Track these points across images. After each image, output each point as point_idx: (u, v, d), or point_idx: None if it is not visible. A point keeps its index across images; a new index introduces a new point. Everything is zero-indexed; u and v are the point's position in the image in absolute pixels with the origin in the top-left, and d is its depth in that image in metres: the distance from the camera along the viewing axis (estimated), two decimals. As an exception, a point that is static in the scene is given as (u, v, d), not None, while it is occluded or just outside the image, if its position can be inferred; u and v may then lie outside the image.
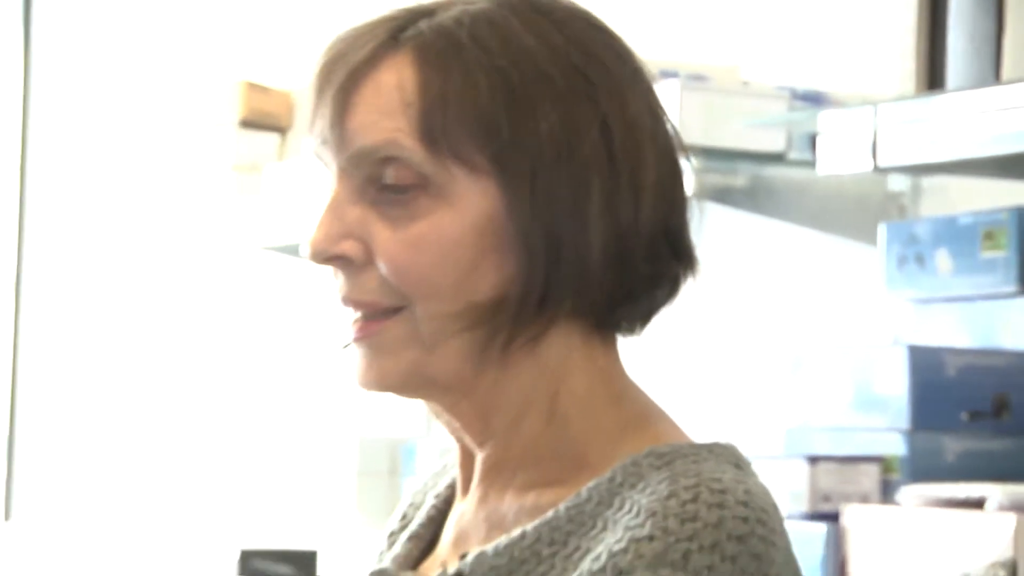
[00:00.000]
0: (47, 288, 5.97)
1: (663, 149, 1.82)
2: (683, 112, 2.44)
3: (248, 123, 4.02)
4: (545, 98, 1.76)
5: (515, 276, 1.76)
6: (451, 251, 1.76)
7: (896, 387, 2.94)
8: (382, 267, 1.75)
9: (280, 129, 4.03)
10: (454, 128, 1.73)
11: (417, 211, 1.75)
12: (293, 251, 3.78)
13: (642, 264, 1.79)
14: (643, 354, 1.92)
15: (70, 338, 5.92)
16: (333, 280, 1.80)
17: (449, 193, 1.75)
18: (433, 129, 1.74)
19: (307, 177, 3.06)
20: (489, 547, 1.76)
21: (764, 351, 3.22)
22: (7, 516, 6.24)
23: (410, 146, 1.73)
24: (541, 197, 1.76)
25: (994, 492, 2.72)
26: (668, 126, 1.84)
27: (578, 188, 1.77)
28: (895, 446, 2.96)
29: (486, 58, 1.75)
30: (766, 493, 1.72)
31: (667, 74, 2.66)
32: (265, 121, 4.01)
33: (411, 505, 2.03)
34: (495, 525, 1.81)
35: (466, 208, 1.77)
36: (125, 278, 5.46)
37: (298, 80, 4.09)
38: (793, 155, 3.16)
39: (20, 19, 6.23)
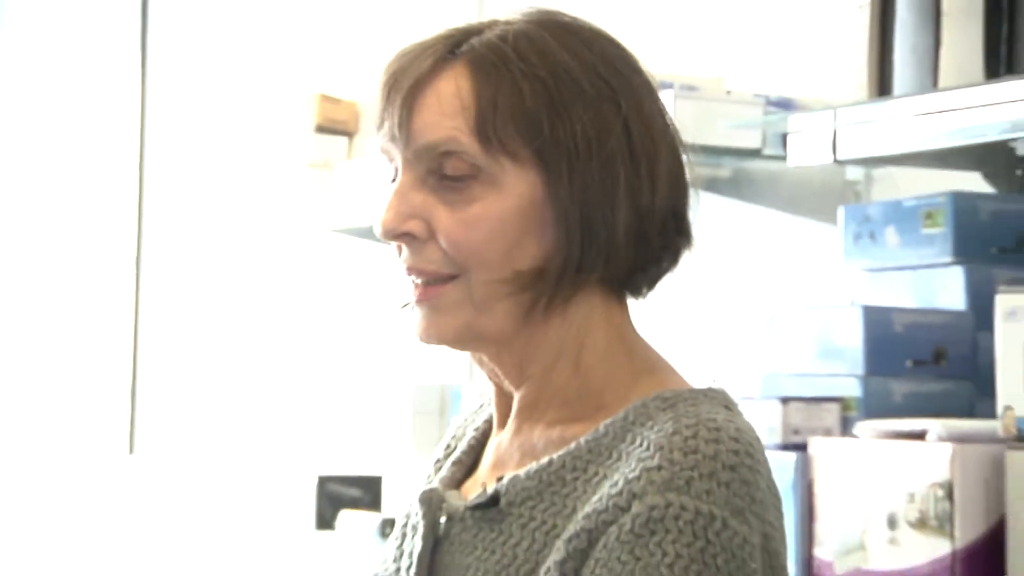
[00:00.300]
0: (165, 255, 6.08)
1: (671, 144, 1.91)
2: (677, 116, 2.44)
3: (321, 128, 4.11)
4: (578, 102, 1.83)
5: (554, 250, 1.85)
6: (499, 229, 1.84)
7: (853, 340, 2.94)
8: (442, 242, 1.83)
9: (348, 134, 4.13)
10: (503, 127, 1.81)
11: (471, 196, 1.84)
12: (358, 233, 3.81)
13: (656, 239, 1.88)
14: (647, 314, 1.97)
15: (183, 299, 5.98)
16: (397, 254, 1.89)
17: (498, 181, 1.83)
18: (486, 128, 1.82)
19: (370, 172, 3.07)
20: (522, 471, 1.86)
21: (745, 312, 3.26)
22: (131, 450, 6.30)
23: (467, 142, 1.82)
24: (576, 184, 1.83)
25: (934, 426, 2.69)
26: (672, 125, 1.93)
27: (606, 177, 1.83)
28: (852, 389, 2.94)
29: (528, 69, 1.83)
30: (751, 429, 1.84)
31: (664, 85, 2.69)
32: (335, 127, 4.11)
33: (454, 437, 2.10)
34: (527, 453, 1.90)
35: (512, 193, 1.84)
36: (227, 250, 5.57)
37: (363, 92, 4.11)
38: (767, 151, 3.17)
39: (138, 45, 6.31)
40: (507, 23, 1.87)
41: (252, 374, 5.48)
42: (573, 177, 1.82)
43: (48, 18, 6.74)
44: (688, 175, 1.93)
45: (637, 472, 1.73)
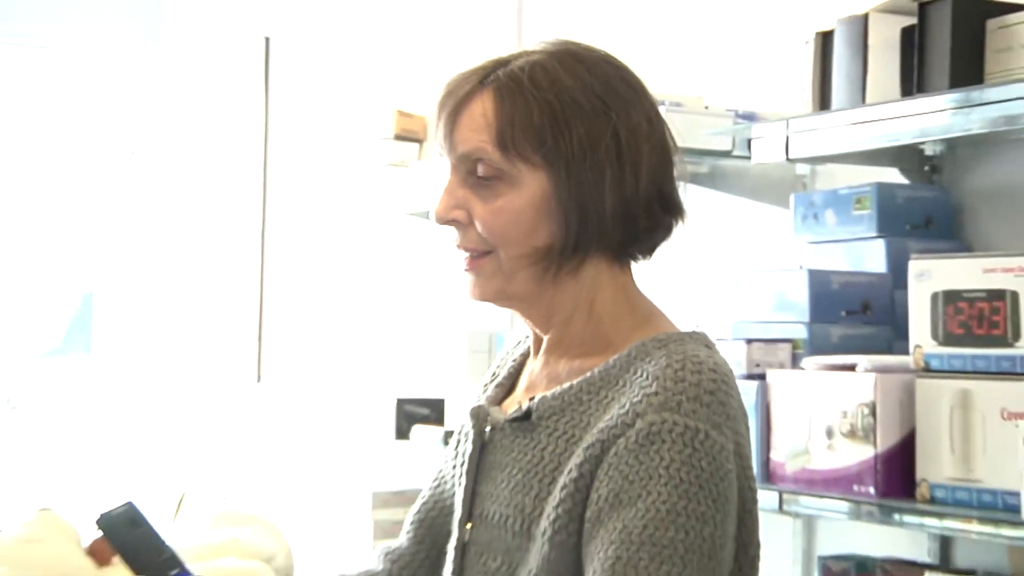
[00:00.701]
0: (283, 230, 6.02)
1: (657, 144, 1.88)
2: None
3: (399, 137, 4.13)
4: (576, 117, 1.83)
5: (559, 231, 1.86)
6: (518, 217, 1.86)
7: (800, 296, 2.92)
8: (478, 227, 1.87)
9: (419, 141, 4.13)
10: (518, 140, 1.83)
11: (497, 192, 1.86)
12: (425, 215, 3.80)
13: (642, 219, 1.87)
14: (647, 274, 1.95)
15: (297, 263, 5.91)
16: (451, 234, 1.91)
17: (516, 181, 1.85)
18: (505, 141, 1.84)
19: (433, 171, 3.07)
20: (549, 393, 1.89)
21: (719, 274, 3.25)
22: (258, 379, 6.17)
23: (491, 152, 1.85)
24: (573, 182, 1.84)
25: (862, 360, 2.70)
26: (663, 127, 1.91)
27: (596, 174, 1.83)
28: (800, 333, 2.93)
29: (538, 93, 1.84)
30: (725, 363, 1.86)
31: (658, 102, 2.66)
32: (409, 136, 4.14)
33: (497, 367, 2.10)
34: (553, 380, 1.92)
35: (527, 190, 1.86)
36: (330, 226, 5.53)
37: (430, 109, 4.10)
38: (736, 152, 3.13)
39: (262, 74, 6.17)
40: (529, 54, 1.89)
41: (349, 320, 5.42)
42: (570, 176, 1.83)
43: (198, 46, 6.68)
44: (675, 167, 1.92)
45: (639, 396, 1.76)
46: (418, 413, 4.09)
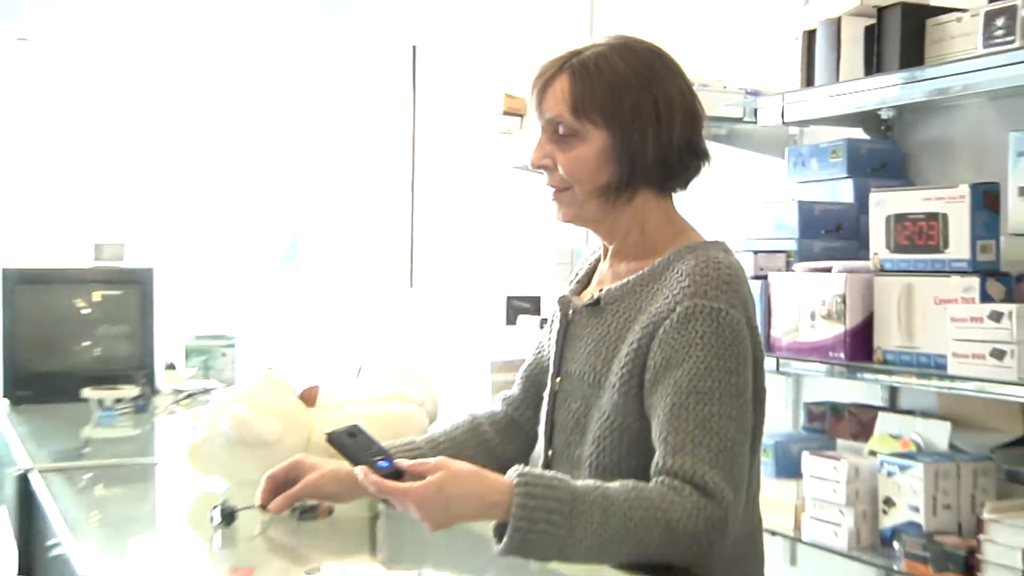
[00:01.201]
0: (428, 179, 5.74)
1: (688, 111, 1.89)
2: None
3: (506, 113, 4.09)
4: (627, 91, 1.85)
5: (615, 173, 1.87)
6: (587, 163, 1.88)
7: (792, 219, 2.90)
8: (560, 170, 1.89)
9: (520, 115, 4.05)
10: (587, 108, 1.86)
11: (572, 146, 1.88)
12: (525, 168, 3.81)
13: (676, 164, 1.89)
14: (686, 204, 1.97)
15: (438, 201, 5.68)
16: (541, 177, 1.93)
17: (585, 137, 1.87)
18: (577, 109, 1.87)
19: (529, 137, 3.05)
20: (612, 286, 1.92)
21: (736, 206, 3.18)
22: (411, 284, 6.01)
23: (567, 117, 1.87)
24: (626, 137, 1.86)
25: (836, 265, 2.70)
26: (694, 99, 1.92)
27: (642, 132, 1.86)
28: (792, 246, 2.89)
29: (600, 75, 1.86)
30: (738, 263, 1.87)
31: None
32: (513, 112, 4.08)
33: (578, 270, 2.12)
34: (616, 277, 1.95)
35: (593, 144, 1.87)
36: (458, 176, 5.37)
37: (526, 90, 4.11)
38: (746, 119, 3.09)
39: (410, 74, 5.95)
40: (595, 46, 1.90)
41: (474, 241, 5.25)
42: (623, 134, 1.85)
43: (350, 56, 6.55)
44: (702, 130, 1.93)
45: (676, 288, 1.80)
46: (521, 306, 4.09)
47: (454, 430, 2.12)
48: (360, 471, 1.70)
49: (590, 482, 1.72)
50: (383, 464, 1.70)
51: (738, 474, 1.72)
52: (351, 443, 1.78)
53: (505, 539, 1.62)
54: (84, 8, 6.10)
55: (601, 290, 1.94)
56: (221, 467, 2.26)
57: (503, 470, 1.74)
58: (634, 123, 1.87)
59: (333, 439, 1.80)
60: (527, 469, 1.67)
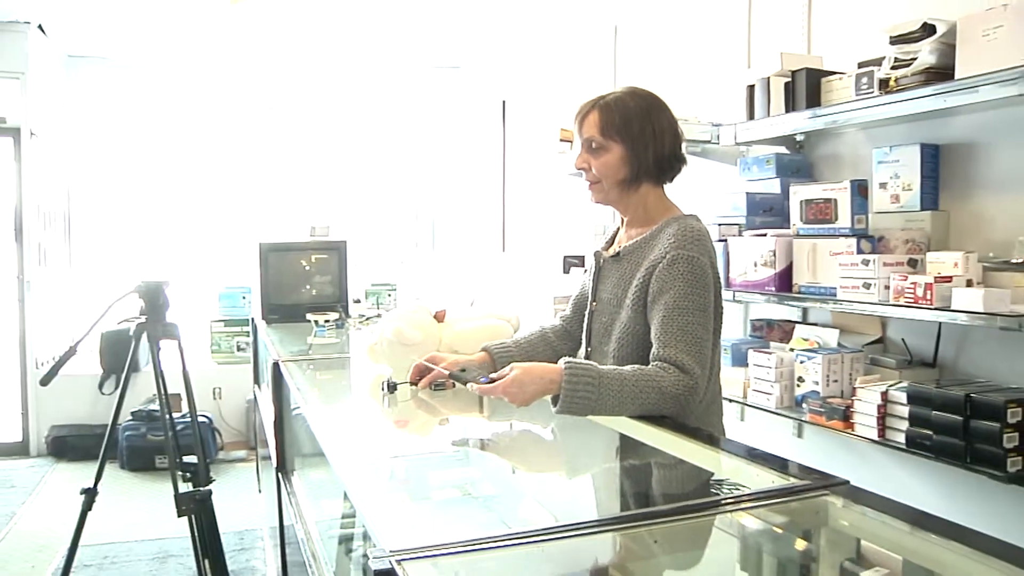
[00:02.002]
0: (518, 173, 5.57)
1: (672, 132, 1.81)
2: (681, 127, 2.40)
3: (562, 139, 3.84)
4: (635, 120, 1.79)
5: (628, 171, 1.80)
6: (610, 166, 1.81)
7: (742, 204, 2.82)
8: (593, 171, 1.82)
9: (570, 141, 3.73)
10: (609, 131, 1.79)
11: (601, 155, 1.80)
12: (576, 174, 3.80)
13: (666, 165, 1.82)
14: (676, 191, 1.88)
15: (520, 191, 5.51)
16: (582, 175, 1.84)
17: (609, 149, 1.80)
18: (604, 131, 1.80)
19: (574, 154, 2.88)
20: (628, 244, 1.84)
21: (706, 193, 2.98)
22: (503, 248, 5.72)
23: (598, 136, 1.80)
24: (635, 149, 1.79)
25: (769, 232, 2.63)
26: (676, 126, 1.83)
27: (645, 146, 1.79)
28: (742, 220, 2.82)
29: (618, 110, 1.79)
30: (706, 229, 1.79)
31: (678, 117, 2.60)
32: (566, 139, 3.80)
33: (608, 234, 2.00)
34: (629, 238, 1.86)
35: (614, 153, 1.80)
36: (535, 177, 5.15)
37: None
38: (712, 141, 3.05)
39: (500, 120, 5.73)
40: (615, 93, 1.83)
41: (543, 218, 5.03)
42: (633, 147, 1.79)
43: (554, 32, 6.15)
44: (682, 146, 1.85)
45: (666, 244, 1.74)
46: (572, 261, 3.96)
47: (531, 336, 2.07)
48: (471, 387, 1.68)
49: (612, 366, 1.67)
50: (483, 380, 1.67)
51: (704, 359, 1.67)
52: (463, 374, 1.76)
53: (559, 403, 1.60)
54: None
55: (620, 247, 1.87)
56: (387, 359, 2.23)
57: None
58: (640, 140, 1.79)
59: (453, 375, 1.77)
60: (571, 359, 1.63)
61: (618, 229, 1.98)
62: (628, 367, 1.66)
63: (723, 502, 1.12)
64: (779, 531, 1.12)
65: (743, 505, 1.11)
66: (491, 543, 0.94)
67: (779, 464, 1.22)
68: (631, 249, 1.85)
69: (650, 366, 1.66)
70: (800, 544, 1.12)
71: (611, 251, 1.92)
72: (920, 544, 0.98)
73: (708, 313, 1.72)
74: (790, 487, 1.13)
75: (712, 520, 1.06)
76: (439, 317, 2.31)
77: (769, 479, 1.18)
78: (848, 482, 1.12)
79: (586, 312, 1.95)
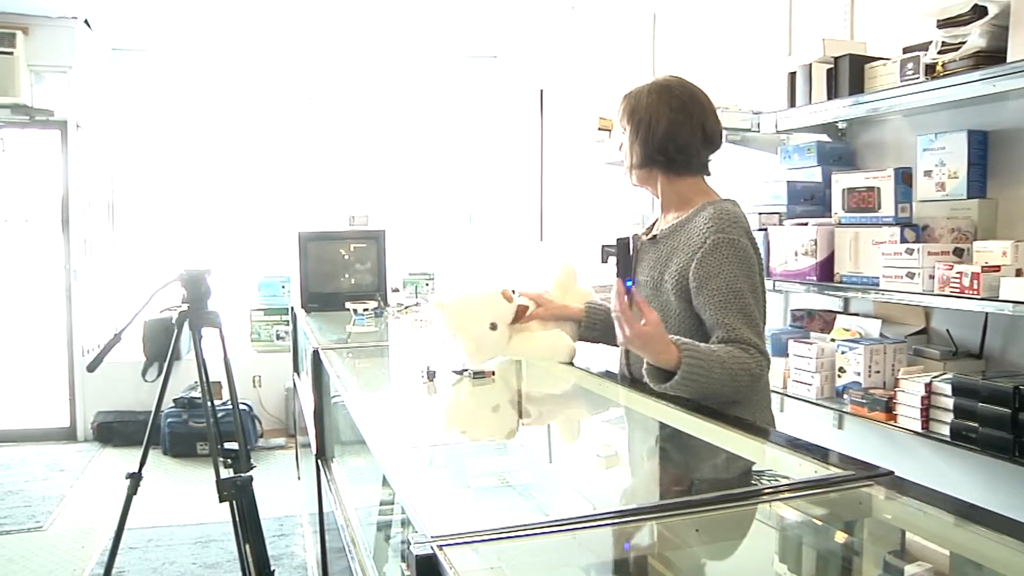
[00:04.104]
0: (554, 162, 5.57)
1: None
2: (721, 117, 2.40)
3: (600, 128, 3.77)
4: (640, 108, 1.80)
5: (635, 158, 1.83)
6: (624, 151, 1.85)
7: (783, 192, 2.81)
8: (624, 152, 1.85)
9: (608, 130, 3.73)
10: (623, 117, 1.83)
11: (631, 138, 1.83)
12: (612, 163, 3.61)
13: (695, 155, 1.81)
14: (718, 180, 1.89)
15: (557, 179, 5.52)
16: (624, 161, 1.86)
17: (626, 134, 1.83)
18: (631, 119, 1.82)
19: (614, 143, 2.87)
20: (664, 227, 1.85)
21: (747, 181, 3.03)
22: (541, 238, 5.75)
23: (620, 122, 1.85)
24: (636, 136, 1.82)
25: (810, 221, 2.60)
26: (713, 116, 1.81)
27: (675, 136, 1.79)
28: (783, 209, 2.80)
29: (640, 105, 1.81)
30: (743, 211, 1.79)
31: (718, 106, 2.59)
32: (604, 128, 3.75)
33: (648, 222, 2.02)
34: (666, 223, 1.86)
35: (626, 138, 1.84)
36: (572, 165, 5.16)
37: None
38: (753, 129, 3.00)
39: (538, 109, 5.70)
40: (643, 87, 1.84)
41: (580, 207, 5.04)
42: (635, 134, 1.82)
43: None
44: (720, 135, 1.83)
45: (704, 228, 1.73)
46: (610, 251, 4.02)
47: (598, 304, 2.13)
48: (616, 281, 1.62)
49: (714, 347, 1.64)
50: (627, 283, 1.60)
51: (763, 339, 1.70)
52: (621, 254, 1.64)
53: (675, 381, 1.59)
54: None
55: (657, 232, 1.87)
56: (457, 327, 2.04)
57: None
58: (640, 127, 1.81)
59: (620, 242, 1.65)
60: (686, 341, 1.61)
61: (657, 217, 1.99)
62: (719, 347, 1.65)
63: (764, 492, 1.11)
64: (822, 522, 1.11)
65: (785, 495, 1.10)
66: (532, 530, 0.94)
67: (821, 454, 1.20)
68: (667, 233, 1.84)
69: (730, 348, 1.65)
70: (843, 536, 1.11)
71: (649, 235, 1.93)
72: (969, 538, 0.95)
73: (759, 294, 1.73)
74: (833, 477, 1.11)
75: (754, 510, 1.05)
76: (505, 296, 2.12)
77: (811, 469, 1.16)
78: (892, 473, 1.10)
79: None
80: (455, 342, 2.00)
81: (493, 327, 1.96)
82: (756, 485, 1.21)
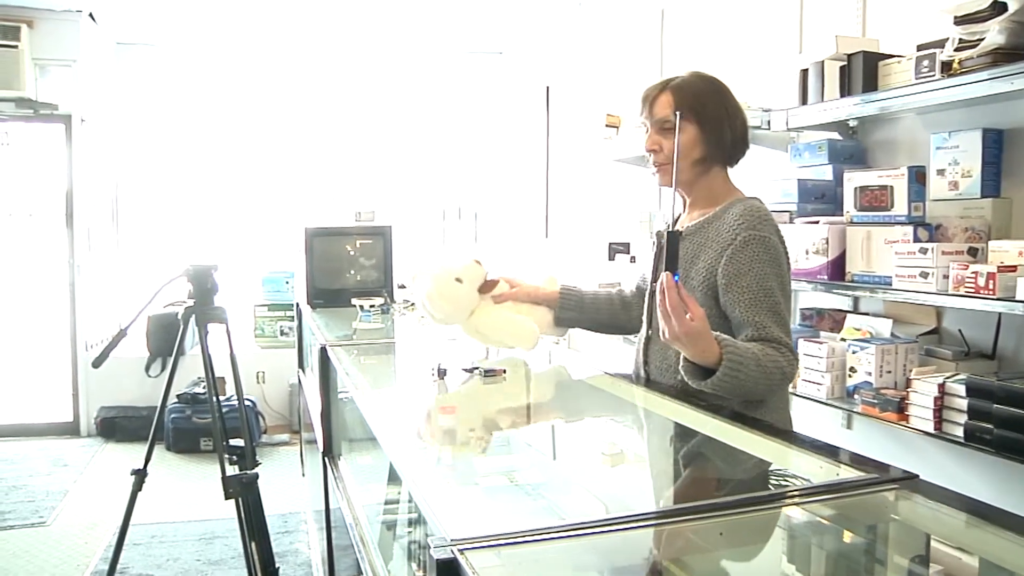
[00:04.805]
0: (561, 159, 5.57)
1: (740, 117, 1.84)
2: None
3: (608, 125, 3.77)
4: (708, 102, 1.80)
5: (701, 152, 1.82)
6: (684, 146, 1.80)
7: (793, 190, 2.79)
8: (664, 151, 1.82)
9: (616, 127, 3.74)
10: (683, 110, 1.78)
11: (672, 136, 1.79)
12: (629, 161, 3.62)
13: (732, 150, 1.84)
14: (738, 174, 1.90)
15: (563, 176, 5.49)
16: (652, 157, 1.84)
17: (683, 130, 1.79)
18: (698, 115, 1.80)
19: (625, 141, 2.88)
20: (691, 223, 1.85)
21: (761, 179, 3.03)
22: (546, 235, 5.75)
23: (671, 116, 1.80)
24: (709, 131, 1.81)
25: (821, 220, 2.61)
26: (743, 113, 1.87)
27: (721, 128, 1.81)
28: (793, 207, 2.78)
29: (689, 91, 1.81)
30: (770, 212, 1.80)
31: None
32: (612, 124, 3.76)
33: (670, 216, 1.95)
34: (692, 220, 1.87)
35: (687, 135, 1.80)
36: (579, 161, 5.14)
37: (625, 112, 3.80)
38: (763, 127, 2.98)
39: (544, 105, 5.73)
40: (683, 76, 1.85)
41: (589, 206, 5.02)
42: (708, 129, 1.81)
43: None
44: (748, 132, 1.87)
45: (734, 225, 1.74)
46: (617, 248, 3.97)
47: (601, 293, 2.12)
48: (665, 275, 1.57)
49: (750, 345, 1.63)
50: (675, 277, 1.57)
51: (792, 339, 1.70)
52: (671, 248, 1.59)
53: (716, 379, 1.57)
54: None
55: (683, 228, 1.86)
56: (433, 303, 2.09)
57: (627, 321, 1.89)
58: (714, 121, 1.80)
59: (671, 234, 1.59)
60: (727, 340, 1.60)
61: (682, 211, 1.97)
62: (753, 345, 1.64)
63: (788, 495, 1.09)
64: (845, 526, 1.09)
65: (806, 499, 1.07)
66: (552, 533, 0.93)
67: (843, 456, 1.19)
68: (695, 229, 1.84)
69: (763, 346, 1.65)
70: (867, 540, 1.09)
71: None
72: (998, 543, 0.94)
73: (787, 293, 1.74)
74: (856, 480, 1.09)
75: (777, 514, 1.02)
76: (484, 287, 2.14)
77: (833, 472, 1.14)
78: (917, 476, 1.08)
79: (647, 292, 1.95)
80: (420, 293, 2.05)
81: (459, 280, 2.01)
82: (778, 488, 1.20)
